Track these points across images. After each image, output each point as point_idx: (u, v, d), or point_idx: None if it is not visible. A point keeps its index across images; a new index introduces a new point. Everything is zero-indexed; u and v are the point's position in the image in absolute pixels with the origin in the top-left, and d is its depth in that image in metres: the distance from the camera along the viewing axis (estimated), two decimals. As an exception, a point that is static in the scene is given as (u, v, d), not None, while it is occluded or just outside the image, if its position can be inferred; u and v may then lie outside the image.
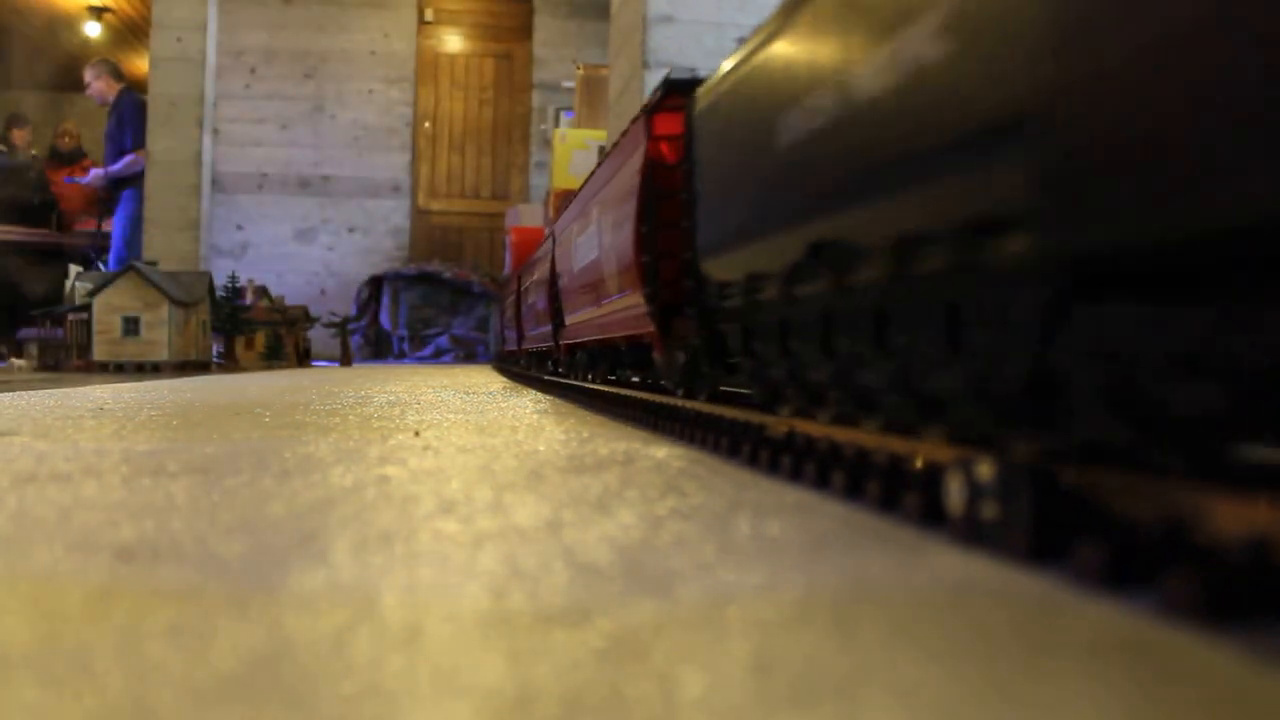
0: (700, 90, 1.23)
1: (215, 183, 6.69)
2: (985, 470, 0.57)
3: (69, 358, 4.57)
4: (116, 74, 6.13)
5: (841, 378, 0.82)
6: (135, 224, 5.97)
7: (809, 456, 0.84)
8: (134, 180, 6.05)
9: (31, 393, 2.43)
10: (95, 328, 4.28)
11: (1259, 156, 0.40)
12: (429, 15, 7.49)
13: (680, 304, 1.31)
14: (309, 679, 0.36)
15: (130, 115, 5.98)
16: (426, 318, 7.14)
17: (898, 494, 0.68)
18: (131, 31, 7.59)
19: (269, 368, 5.20)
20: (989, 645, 0.40)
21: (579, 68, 5.35)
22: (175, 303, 4.35)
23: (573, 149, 4.86)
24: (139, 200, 5.97)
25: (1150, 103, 0.46)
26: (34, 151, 6.95)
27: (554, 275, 2.49)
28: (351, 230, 7.34)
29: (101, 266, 6.02)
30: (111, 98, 6.04)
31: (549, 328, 2.68)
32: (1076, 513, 0.53)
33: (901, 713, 0.33)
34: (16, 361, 4.91)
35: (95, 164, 6.37)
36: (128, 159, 6.01)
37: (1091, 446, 0.55)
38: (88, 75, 6.11)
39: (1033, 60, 0.53)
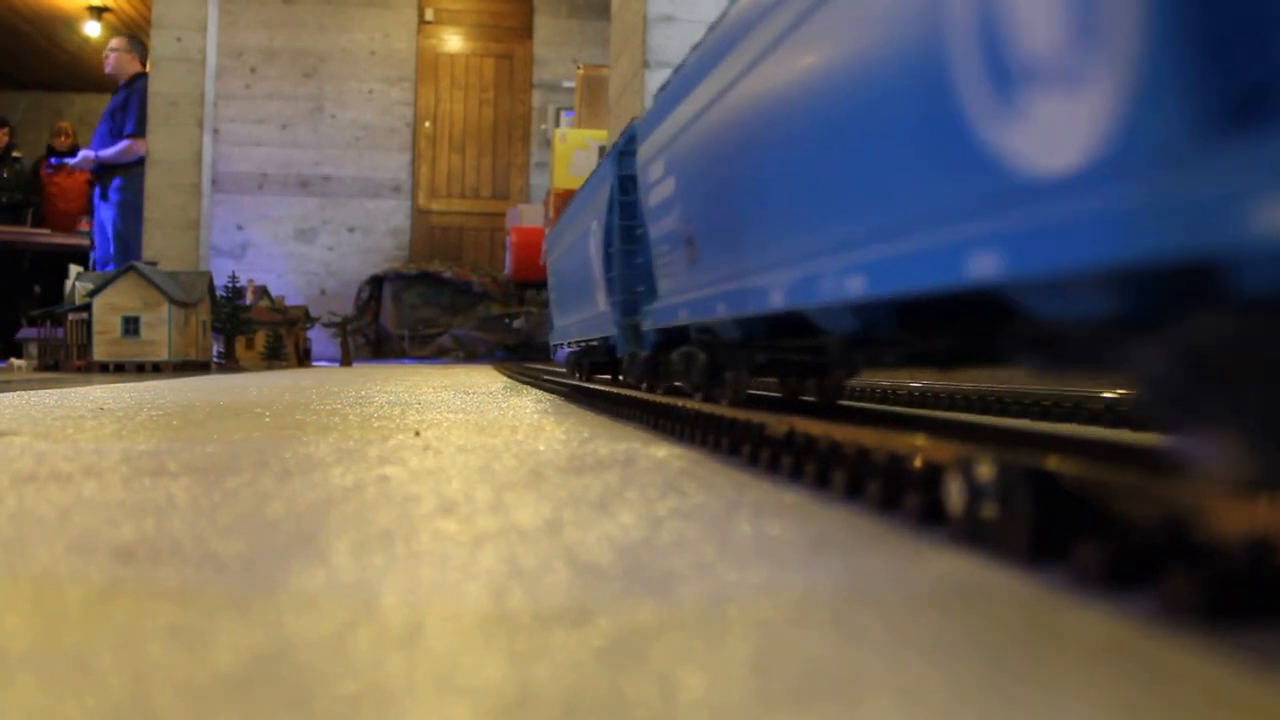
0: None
1: (215, 182, 6.68)
2: (985, 471, 0.57)
3: (69, 358, 4.57)
4: (141, 54, 5.89)
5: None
6: (130, 214, 5.65)
7: (809, 456, 0.84)
8: (126, 169, 5.74)
9: (31, 393, 2.43)
10: (95, 328, 4.28)
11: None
12: (429, 15, 7.50)
13: None
14: (309, 679, 0.36)
15: (139, 100, 5.70)
16: (427, 318, 7.14)
17: (897, 494, 0.68)
18: (131, 31, 7.59)
19: (269, 368, 5.20)
20: (988, 645, 0.40)
21: (579, 67, 5.36)
22: (175, 303, 4.35)
23: (573, 149, 4.87)
24: (133, 192, 5.65)
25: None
26: (16, 153, 6.89)
27: None
28: (352, 230, 7.35)
29: (94, 263, 5.84)
30: (127, 75, 5.80)
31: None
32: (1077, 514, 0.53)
33: (901, 713, 0.33)
34: (16, 361, 4.91)
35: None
36: (122, 145, 5.72)
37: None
38: (112, 44, 5.87)
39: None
